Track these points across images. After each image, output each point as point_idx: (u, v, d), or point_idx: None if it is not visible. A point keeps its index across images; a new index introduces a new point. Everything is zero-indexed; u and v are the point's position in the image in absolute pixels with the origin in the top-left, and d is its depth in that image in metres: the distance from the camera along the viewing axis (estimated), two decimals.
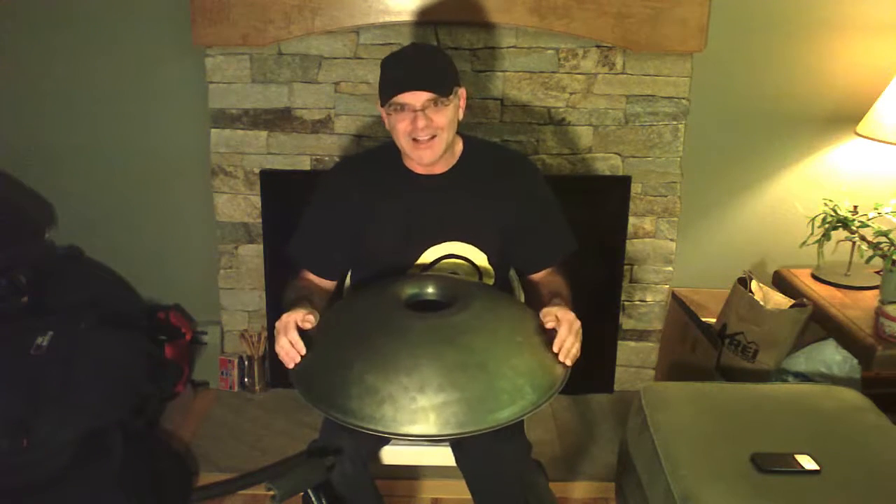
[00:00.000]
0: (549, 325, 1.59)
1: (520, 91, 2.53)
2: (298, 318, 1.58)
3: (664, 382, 2.40)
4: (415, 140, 1.71)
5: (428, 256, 1.83)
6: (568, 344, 1.56)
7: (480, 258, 1.86)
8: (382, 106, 1.74)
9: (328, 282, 1.89)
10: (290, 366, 1.57)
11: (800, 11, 2.56)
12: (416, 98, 1.68)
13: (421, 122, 1.68)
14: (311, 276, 1.87)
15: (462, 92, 1.78)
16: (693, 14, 2.40)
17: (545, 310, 1.61)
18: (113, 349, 2.37)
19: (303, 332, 1.58)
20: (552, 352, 1.56)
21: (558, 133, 2.57)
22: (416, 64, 1.74)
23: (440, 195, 1.82)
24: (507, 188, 1.85)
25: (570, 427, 2.61)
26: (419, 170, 1.83)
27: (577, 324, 1.59)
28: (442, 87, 1.70)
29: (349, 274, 2.01)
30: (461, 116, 1.79)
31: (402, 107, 1.69)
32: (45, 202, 2.74)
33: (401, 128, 1.71)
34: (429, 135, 1.70)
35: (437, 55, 1.80)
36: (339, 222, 1.85)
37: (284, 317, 1.59)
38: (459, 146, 1.85)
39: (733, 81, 2.64)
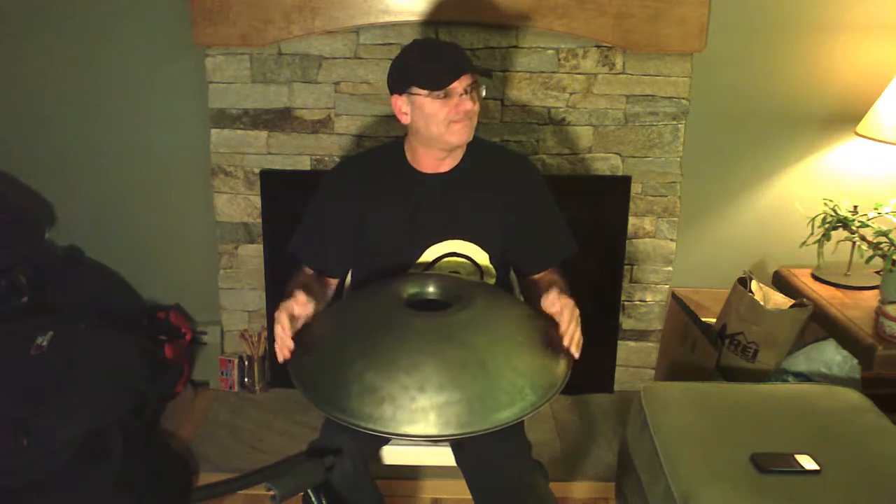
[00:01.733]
0: (551, 310, 1.59)
1: (520, 91, 2.53)
2: (294, 307, 1.58)
3: (664, 382, 2.40)
4: (453, 122, 1.72)
5: (430, 254, 1.84)
6: (571, 330, 1.57)
7: (482, 257, 1.86)
8: (405, 93, 1.73)
9: (332, 280, 1.89)
10: (280, 360, 1.57)
11: (800, 12, 2.56)
12: (460, 82, 1.70)
13: (468, 104, 1.71)
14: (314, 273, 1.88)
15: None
16: (693, 14, 2.40)
17: (545, 296, 1.61)
18: (113, 349, 2.36)
19: (303, 330, 1.59)
20: (559, 342, 1.56)
21: (558, 133, 2.57)
22: (454, 50, 1.78)
23: (443, 193, 1.83)
24: (509, 189, 1.86)
25: (570, 427, 2.61)
26: (422, 168, 1.83)
27: (577, 310, 1.59)
28: (484, 70, 1.74)
29: (349, 273, 2.01)
30: None
31: (447, 92, 1.70)
32: (45, 202, 2.74)
33: (442, 115, 1.71)
34: (468, 117, 1.73)
35: (459, 49, 1.82)
36: (342, 220, 1.85)
37: (281, 305, 1.59)
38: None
39: (733, 81, 2.64)
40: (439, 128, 1.73)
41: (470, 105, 1.71)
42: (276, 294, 2.65)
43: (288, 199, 2.55)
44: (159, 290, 2.84)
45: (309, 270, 1.88)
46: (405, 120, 1.77)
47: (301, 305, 1.60)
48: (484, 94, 1.81)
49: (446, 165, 1.84)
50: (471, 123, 1.75)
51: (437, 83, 1.70)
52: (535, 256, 1.91)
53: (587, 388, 2.76)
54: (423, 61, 1.74)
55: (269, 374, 2.79)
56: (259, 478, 2.31)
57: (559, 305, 1.58)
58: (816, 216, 2.50)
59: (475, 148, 1.88)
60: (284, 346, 1.56)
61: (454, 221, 1.84)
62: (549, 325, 1.60)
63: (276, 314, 1.58)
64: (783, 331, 2.32)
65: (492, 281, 1.89)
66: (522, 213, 1.86)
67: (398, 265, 1.84)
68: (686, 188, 2.64)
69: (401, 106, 1.76)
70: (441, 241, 1.84)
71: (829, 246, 2.49)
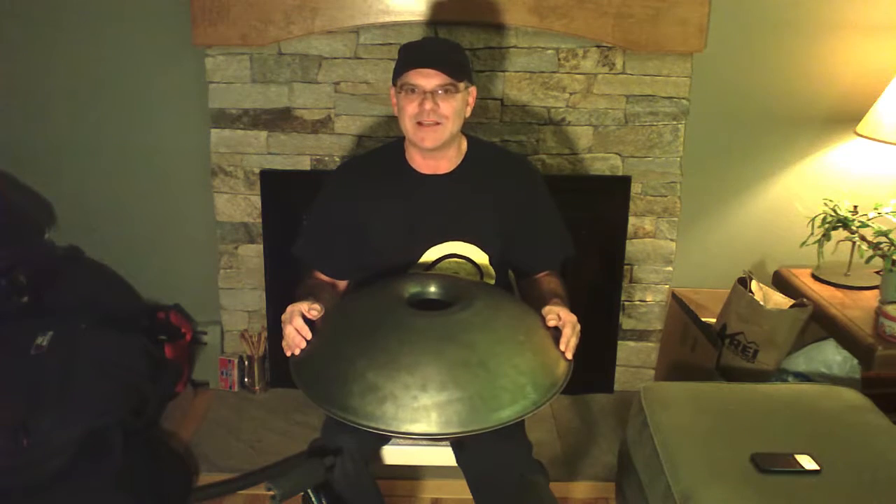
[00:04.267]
0: (551, 324, 1.61)
1: (520, 91, 2.53)
2: (304, 308, 1.60)
3: (664, 382, 2.40)
4: (419, 123, 1.72)
5: (430, 255, 1.84)
6: (571, 344, 1.60)
7: (482, 258, 1.86)
8: (394, 85, 1.77)
9: (340, 282, 1.90)
10: (296, 352, 1.58)
11: (800, 11, 2.56)
12: (428, 80, 1.70)
13: (428, 105, 1.70)
14: (323, 277, 1.88)
15: (473, 90, 1.81)
16: (693, 14, 2.40)
17: (548, 307, 1.63)
18: (113, 349, 2.36)
19: (309, 322, 1.60)
20: (556, 349, 1.58)
21: (558, 133, 2.57)
22: (433, 47, 1.80)
23: (444, 194, 1.83)
24: (509, 191, 1.86)
25: (570, 427, 2.61)
26: (423, 169, 1.84)
27: (579, 326, 1.62)
28: (454, 72, 1.72)
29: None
30: (468, 114, 1.80)
31: (413, 88, 1.71)
32: (45, 202, 2.74)
33: (409, 110, 1.72)
34: (434, 120, 1.72)
35: (455, 47, 1.84)
36: (344, 222, 1.86)
37: (289, 307, 1.61)
38: (464, 146, 1.86)
39: (733, 81, 2.64)
40: (407, 125, 1.75)
41: (430, 105, 1.70)
42: (277, 294, 2.66)
43: (288, 199, 2.56)
44: (159, 290, 2.84)
45: (320, 275, 1.88)
46: (395, 113, 1.79)
47: (310, 311, 1.61)
48: (470, 98, 1.80)
49: (445, 167, 1.84)
50: (439, 129, 1.73)
51: (395, 77, 1.75)
52: (534, 258, 1.92)
53: (587, 388, 2.76)
54: (401, 55, 1.77)
55: (269, 374, 2.79)
56: (259, 478, 2.31)
57: (563, 322, 1.60)
58: (816, 216, 2.50)
59: (476, 149, 1.88)
60: (302, 343, 1.58)
61: (454, 223, 1.84)
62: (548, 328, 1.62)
63: (288, 314, 1.60)
64: (783, 331, 2.32)
65: (491, 282, 1.90)
66: (521, 215, 1.87)
67: (398, 266, 1.84)
68: (686, 188, 2.64)
69: (392, 98, 1.80)
70: (441, 243, 1.84)
71: (829, 246, 2.49)
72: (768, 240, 2.79)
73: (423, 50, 1.78)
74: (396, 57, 1.80)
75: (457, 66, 1.73)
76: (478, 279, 1.88)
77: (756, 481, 1.59)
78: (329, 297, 1.80)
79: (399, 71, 1.75)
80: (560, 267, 1.94)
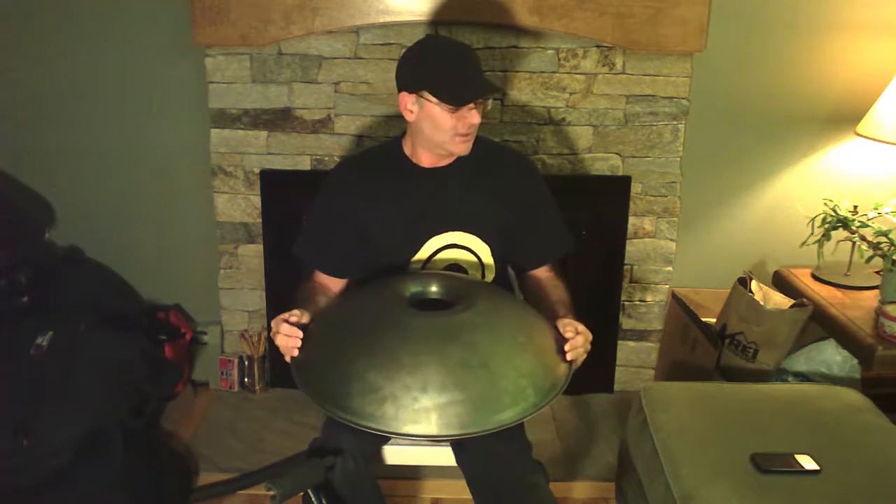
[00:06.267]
0: (568, 335, 1.62)
1: (520, 91, 2.53)
2: (284, 317, 1.62)
3: (664, 382, 2.40)
4: (458, 134, 1.74)
5: (431, 246, 1.85)
6: (580, 350, 1.60)
7: (483, 249, 1.87)
8: (413, 93, 1.72)
9: (339, 280, 1.90)
10: (295, 354, 1.59)
11: (800, 12, 2.56)
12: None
13: (476, 120, 1.73)
14: (322, 277, 1.88)
15: None
16: (693, 14, 2.40)
17: (566, 321, 1.65)
18: (113, 349, 2.37)
19: (301, 326, 1.61)
20: (560, 349, 1.59)
21: (558, 133, 2.57)
22: (476, 69, 1.76)
23: (444, 185, 1.85)
24: (507, 183, 1.88)
25: (570, 427, 2.61)
26: (422, 163, 1.85)
27: (590, 337, 1.64)
28: (496, 90, 1.79)
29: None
30: None
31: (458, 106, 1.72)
32: (45, 202, 2.74)
33: (448, 123, 1.72)
34: (473, 130, 1.76)
35: (476, 56, 1.80)
36: (344, 219, 1.86)
37: (272, 322, 1.64)
38: None
39: (733, 81, 2.64)
40: (444, 136, 1.75)
41: (478, 119, 1.74)
42: (277, 294, 2.67)
43: (288, 199, 2.56)
44: (159, 290, 2.84)
45: (318, 275, 1.88)
46: (410, 118, 1.77)
47: (290, 317, 1.62)
48: (490, 106, 1.83)
49: (446, 161, 1.85)
50: (472, 136, 1.78)
51: (456, 100, 1.70)
52: (534, 250, 1.93)
53: (587, 388, 2.76)
54: (442, 70, 1.72)
55: (269, 374, 2.79)
56: (259, 478, 2.31)
57: (576, 333, 1.61)
58: (816, 216, 2.50)
59: (475, 144, 1.89)
60: (297, 343, 1.59)
61: (454, 213, 1.86)
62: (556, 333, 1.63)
63: (273, 326, 1.63)
64: (783, 331, 2.32)
65: (491, 274, 1.90)
66: (520, 207, 1.88)
67: (400, 257, 1.85)
68: (686, 188, 2.64)
69: (407, 104, 1.76)
70: (442, 233, 1.85)
71: (829, 246, 2.49)
72: (768, 240, 2.79)
73: (472, 74, 1.73)
74: (398, 57, 1.79)
75: (494, 84, 1.80)
76: (479, 270, 1.88)
77: (756, 481, 1.59)
78: (323, 302, 1.81)
79: (453, 95, 1.70)
80: (560, 261, 1.95)
